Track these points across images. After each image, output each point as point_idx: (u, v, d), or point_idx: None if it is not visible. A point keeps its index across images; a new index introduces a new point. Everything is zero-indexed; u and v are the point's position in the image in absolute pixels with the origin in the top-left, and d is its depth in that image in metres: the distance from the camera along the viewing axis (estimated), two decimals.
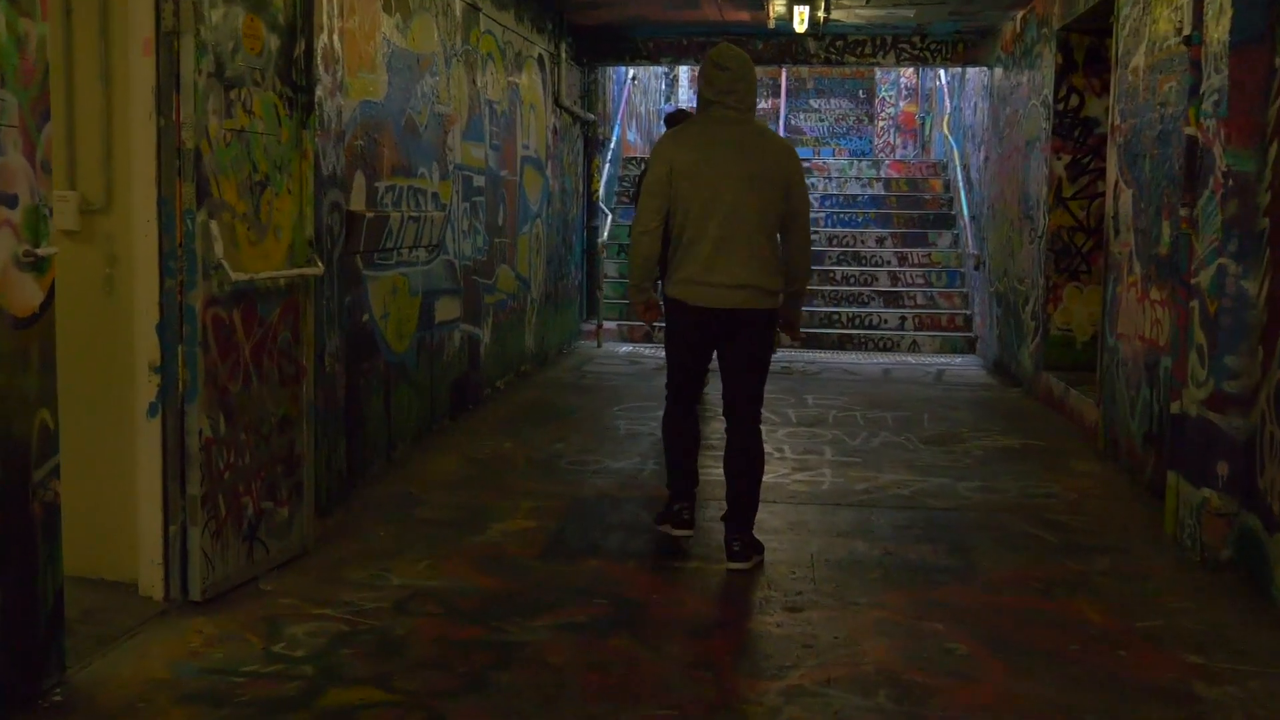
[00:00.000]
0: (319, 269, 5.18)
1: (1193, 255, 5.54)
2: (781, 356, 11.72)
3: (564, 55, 11.45)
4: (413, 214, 7.12)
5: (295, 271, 5.04)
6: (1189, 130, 5.66)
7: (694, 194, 5.01)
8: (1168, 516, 5.63)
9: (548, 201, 11.09)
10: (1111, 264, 7.52)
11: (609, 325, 13.07)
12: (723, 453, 5.32)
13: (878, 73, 21.58)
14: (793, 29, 11.39)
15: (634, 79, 16.00)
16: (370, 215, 6.38)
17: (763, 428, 5.42)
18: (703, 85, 5.20)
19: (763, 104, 22.53)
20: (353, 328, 6.24)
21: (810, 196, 15.86)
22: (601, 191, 13.46)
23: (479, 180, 8.70)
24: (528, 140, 10.25)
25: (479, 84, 8.69)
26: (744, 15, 11.44)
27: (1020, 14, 10.79)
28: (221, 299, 4.55)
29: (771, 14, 11.07)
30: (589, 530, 5.63)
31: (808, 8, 10.44)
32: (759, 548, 5.22)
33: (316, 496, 5.41)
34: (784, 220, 5.09)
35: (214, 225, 4.45)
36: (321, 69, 5.32)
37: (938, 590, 4.87)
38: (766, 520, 5.73)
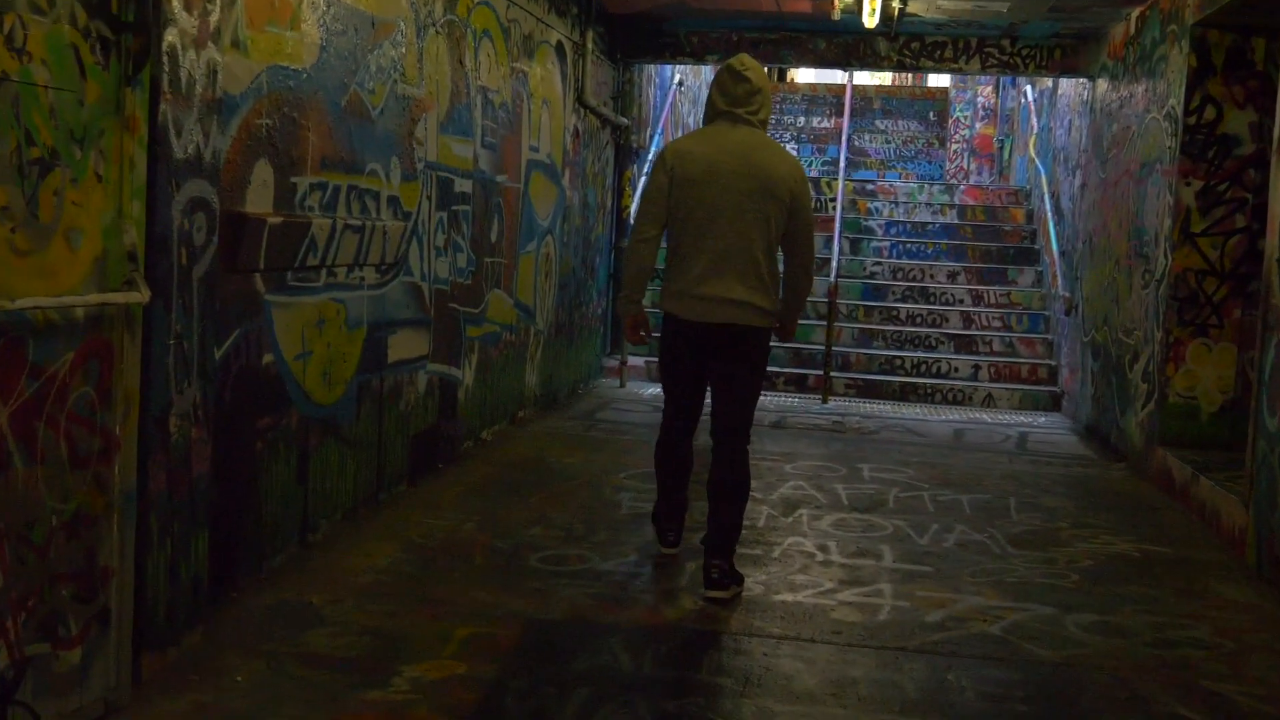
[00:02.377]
0: (141, 295, 3.49)
1: None
2: (834, 409, 9.96)
3: (590, 46, 9.76)
4: (354, 221, 5.44)
5: (99, 299, 3.36)
6: None
7: (694, 204, 4.88)
8: None
9: (563, 216, 9.39)
10: (1274, 320, 5.69)
11: (635, 362, 11.34)
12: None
13: (952, 92, 19.77)
14: (861, 24, 9.65)
15: (680, 84, 14.29)
16: (276, 221, 4.70)
17: (804, 512, 5.60)
18: (715, 93, 5.04)
19: (825, 123, 20.82)
20: (240, 374, 4.55)
21: (873, 223, 14.20)
22: (634, 207, 11.73)
23: (463, 185, 7.01)
24: (537, 141, 8.55)
25: (468, 66, 7.00)
26: (804, 5, 9.70)
27: (1137, 11, 8.97)
28: None
29: (838, 3, 9.32)
30: (540, 686, 3.88)
31: None
32: (739, 578, 4.93)
33: (152, 621, 3.73)
34: (786, 238, 4.96)
35: None
36: (181, 6, 3.67)
37: None
38: (798, 676, 3.98)
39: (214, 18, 3.94)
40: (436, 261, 6.64)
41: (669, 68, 13.64)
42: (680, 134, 14.59)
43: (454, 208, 6.87)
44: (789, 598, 4.85)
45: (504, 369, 8.06)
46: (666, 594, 4.85)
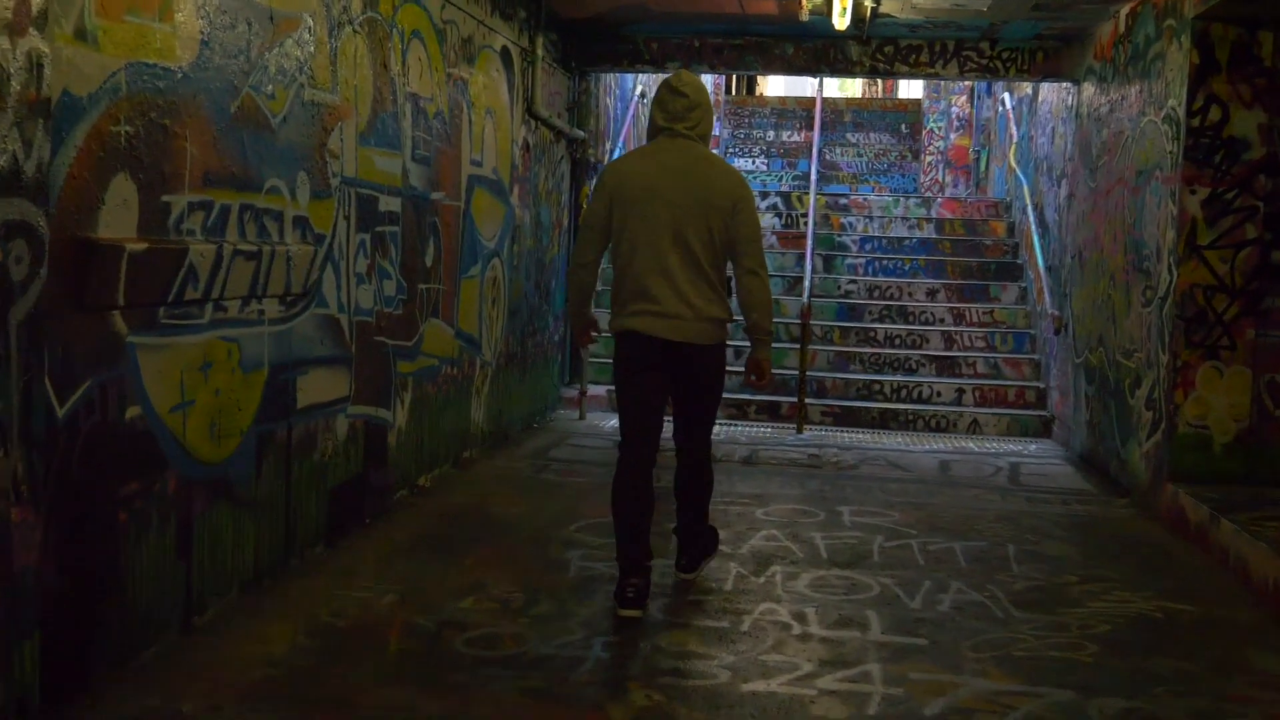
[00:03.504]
0: None
1: None
2: (808, 440, 9.23)
3: (541, 53, 9.02)
4: (248, 247, 4.66)
5: None
6: None
7: (635, 222, 4.85)
8: None
9: (512, 236, 8.63)
10: None
11: (596, 391, 10.57)
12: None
13: (925, 102, 19.12)
14: (831, 27, 8.94)
15: (643, 95, 13.56)
16: (139, 248, 3.92)
17: (778, 569, 5.44)
18: (654, 110, 5.01)
19: (795, 137, 20.16)
20: (94, 433, 3.76)
21: (847, 239, 13.49)
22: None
23: (389, 203, 6.24)
24: (480, 155, 7.79)
25: (394, 70, 6.24)
26: (769, 7, 8.99)
27: (1127, 8, 8.29)
28: None
29: (805, 2, 8.61)
30: None
31: None
32: (708, 549, 5.38)
33: None
34: (732, 246, 4.91)
35: None
36: None
37: None
38: None
39: (59, 3, 3.18)
40: (358, 290, 5.87)
41: (630, 78, 12.91)
42: None
43: (379, 229, 6.10)
44: (760, 686, 4.08)
45: (445, 407, 7.28)
46: (614, 685, 4.08)
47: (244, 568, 4.81)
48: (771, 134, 20.34)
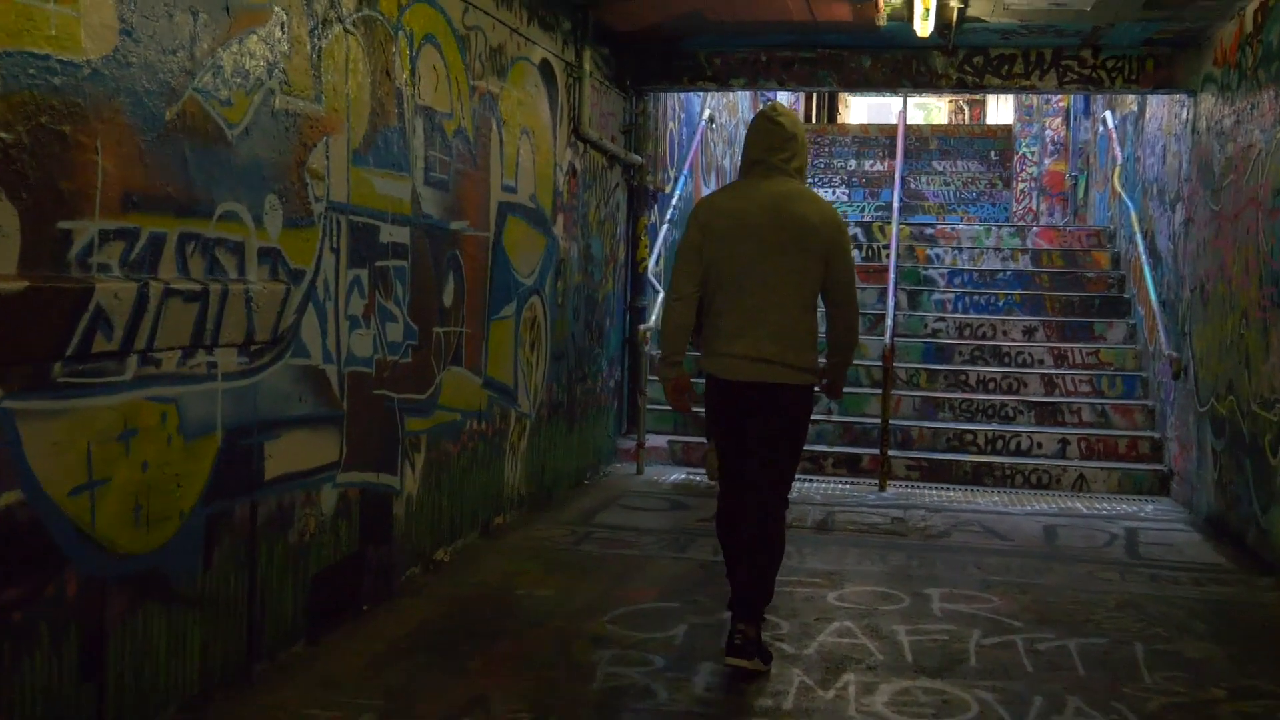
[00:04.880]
0: None
1: None
2: (892, 499, 8.19)
3: (590, 69, 8.11)
4: (188, 286, 3.78)
5: None
6: None
7: (725, 260, 4.72)
8: None
9: (555, 271, 7.71)
10: None
11: (656, 442, 9.59)
12: None
13: (1016, 126, 17.97)
14: (912, 35, 7.95)
15: (711, 120, 12.62)
16: (14, 288, 3.05)
17: (851, 678, 4.49)
18: (748, 142, 4.88)
19: (877, 165, 19.10)
20: None
21: (934, 272, 12.41)
22: (653, 260, 10.04)
23: (393, 233, 5.34)
24: (514, 180, 6.89)
25: (399, 79, 5.36)
26: (842, 12, 8.00)
27: (1256, 3, 7.19)
28: None
29: (882, 5, 7.62)
30: None
31: None
32: (767, 656, 4.62)
33: None
34: (826, 291, 4.77)
35: None
36: None
37: None
38: None
39: None
40: (351, 336, 4.96)
41: (697, 101, 11.98)
42: (713, 176, 12.94)
43: (380, 263, 5.20)
44: None
45: (470, 468, 6.35)
46: None
47: (186, 682, 3.90)
48: (853, 163, 19.33)
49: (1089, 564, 6.60)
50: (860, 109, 27.76)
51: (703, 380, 4.89)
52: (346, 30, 4.85)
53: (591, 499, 8.01)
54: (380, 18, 5.15)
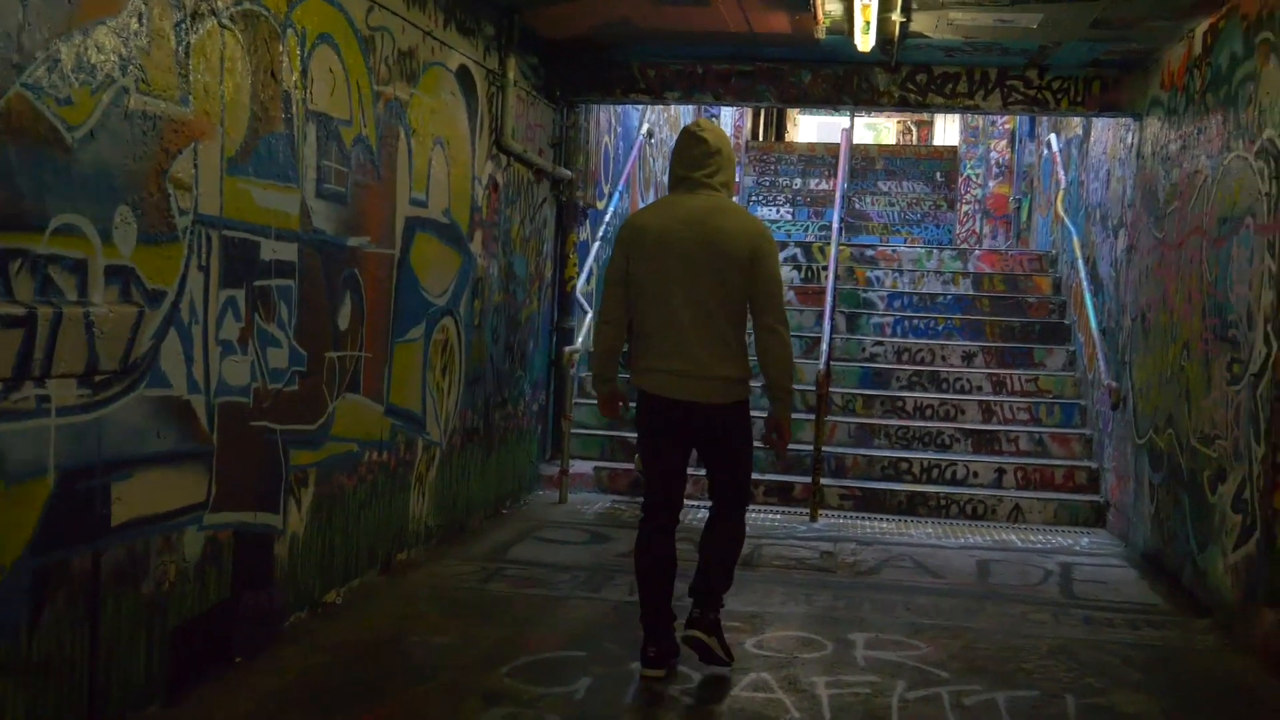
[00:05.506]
0: None
1: None
2: (823, 530, 7.87)
3: (514, 77, 7.71)
4: (8, 310, 3.34)
5: None
6: None
7: (650, 278, 4.71)
8: None
9: (472, 291, 7.29)
10: None
11: (581, 468, 9.19)
12: None
13: (961, 148, 17.76)
14: (854, 49, 7.63)
15: (650, 135, 12.26)
16: None
17: None
18: (674, 159, 4.88)
19: (823, 185, 18.83)
20: None
21: (873, 295, 12.08)
22: (583, 279, 9.64)
23: (279, 250, 4.91)
24: (425, 194, 6.48)
25: (287, 81, 4.94)
26: (780, 23, 7.66)
27: (1205, 24, 6.93)
28: None
29: (821, 17, 7.28)
30: None
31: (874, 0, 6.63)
32: (729, 655, 4.82)
33: None
34: (750, 300, 4.72)
35: None
36: None
37: None
38: None
39: None
40: (224, 363, 4.53)
41: (635, 114, 11.62)
42: (651, 191, 12.58)
43: (260, 283, 4.78)
44: None
45: (368, 502, 5.92)
46: None
47: None
48: (798, 181, 19.09)
49: (1022, 604, 6.27)
50: (810, 128, 27.55)
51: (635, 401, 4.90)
52: (222, 25, 4.43)
53: (508, 531, 7.59)
54: (265, 13, 4.73)
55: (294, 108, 4.99)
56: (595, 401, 9.75)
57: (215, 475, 4.49)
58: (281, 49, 4.87)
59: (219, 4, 4.40)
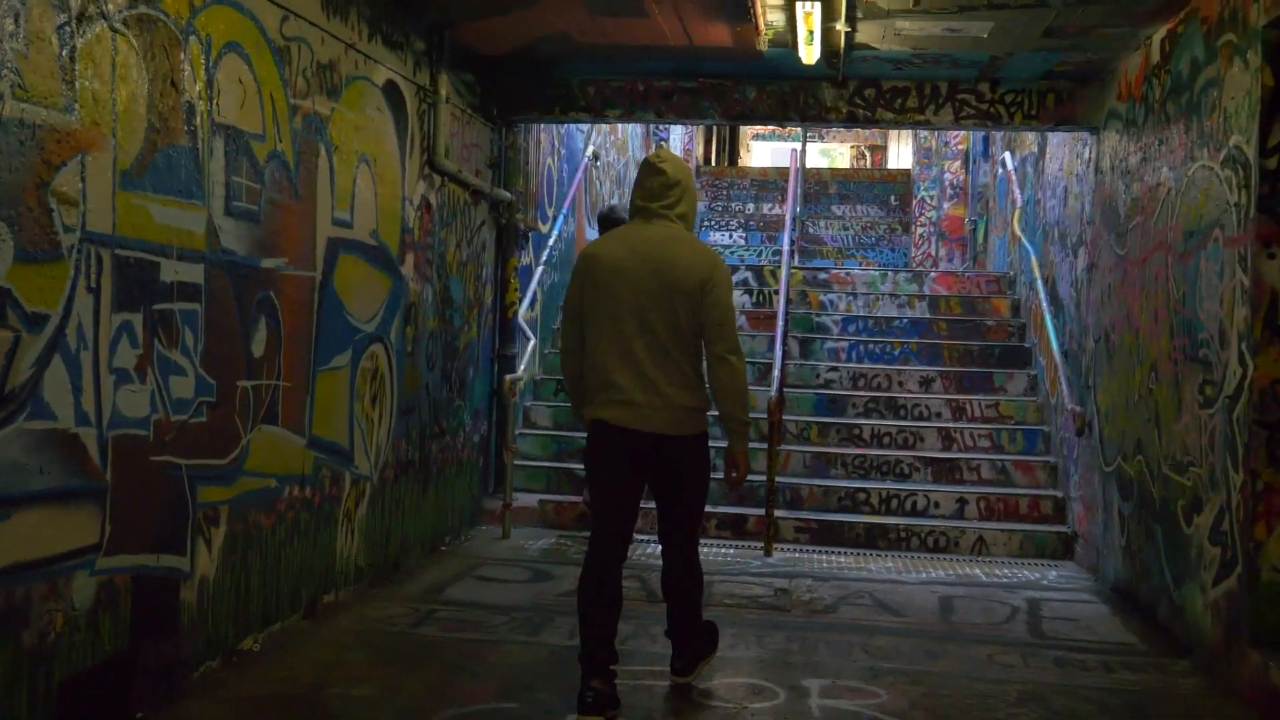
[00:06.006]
0: None
1: None
2: (778, 565, 7.54)
3: (446, 93, 7.37)
4: None
5: None
6: None
7: (600, 308, 4.67)
8: None
9: (405, 316, 6.93)
10: None
11: (526, 502, 8.81)
12: None
13: (915, 170, 17.57)
14: (799, 65, 7.35)
15: (595, 158, 11.96)
16: None
17: None
18: (634, 189, 4.88)
19: (776, 209, 18.58)
20: None
21: (827, 319, 11.81)
22: (525, 305, 9.29)
23: (183, 271, 4.53)
24: (349, 213, 6.12)
25: (189, 90, 4.57)
26: (721, 35, 7.36)
27: (1163, 30, 6.70)
28: None
29: (763, 28, 7.00)
30: None
31: (817, 6, 6.34)
32: (704, 650, 5.07)
33: None
34: (704, 332, 4.66)
35: None
36: None
37: None
38: None
39: None
40: (119, 393, 4.14)
41: (579, 136, 11.31)
42: (597, 216, 12.23)
43: (160, 306, 4.39)
44: None
45: (289, 541, 5.52)
46: None
47: None
48: (751, 206, 18.87)
49: (988, 645, 5.94)
50: (764, 152, 27.40)
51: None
52: (114, 29, 4.07)
53: (445, 569, 7.20)
54: (163, 17, 4.38)
55: (198, 119, 4.63)
56: (540, 432, 9.67)
57: (110, 515, 4.10)
58: (183, 57, 4.51)
59: (109, 7, 4.04)
